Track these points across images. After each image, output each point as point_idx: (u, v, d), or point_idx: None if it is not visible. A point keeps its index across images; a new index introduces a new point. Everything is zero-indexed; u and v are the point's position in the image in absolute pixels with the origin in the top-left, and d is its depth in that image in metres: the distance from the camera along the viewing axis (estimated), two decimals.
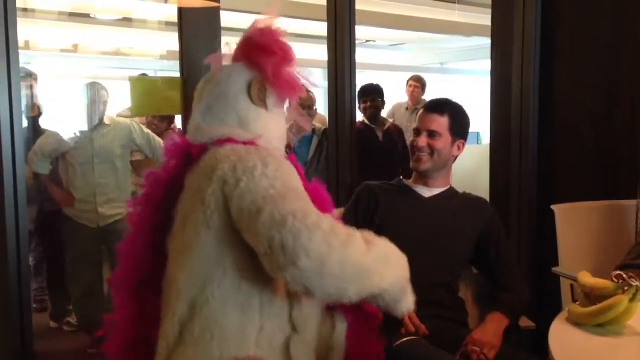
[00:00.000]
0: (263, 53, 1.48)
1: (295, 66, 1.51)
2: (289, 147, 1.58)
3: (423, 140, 2.08)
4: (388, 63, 9.56)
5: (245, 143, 1.42)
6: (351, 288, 1.24)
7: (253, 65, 1.50)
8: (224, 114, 1.48)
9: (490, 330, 1.93)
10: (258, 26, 1.50)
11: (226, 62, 1.58)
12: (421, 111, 2.15)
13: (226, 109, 1.48)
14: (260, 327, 1.34)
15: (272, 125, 1.52)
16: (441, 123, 2.09)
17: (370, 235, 1.34)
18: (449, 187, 2.18)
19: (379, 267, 1.29)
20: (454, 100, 2.20)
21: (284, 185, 1.30)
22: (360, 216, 2.11)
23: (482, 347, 1.87)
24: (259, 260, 1.27)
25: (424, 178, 2.14)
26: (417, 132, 2.11)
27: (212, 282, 1.32)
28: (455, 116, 2.12)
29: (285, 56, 1.49)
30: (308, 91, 2.33)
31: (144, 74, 3.88)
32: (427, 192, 2.14)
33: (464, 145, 2.15)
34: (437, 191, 2.15)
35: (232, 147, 1.39)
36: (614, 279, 1.53)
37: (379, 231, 2.05)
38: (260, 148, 1.40)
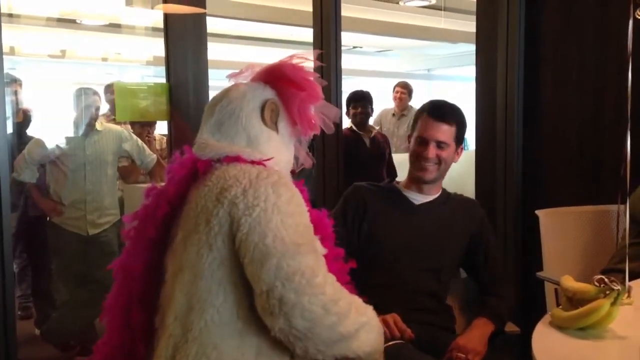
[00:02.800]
0: (293, 87, 1.49)
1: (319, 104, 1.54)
2: (292, 173, 1.57)
3: (432, 152, 2.00)
4: (375, 69, 9.60)
5: (253, 162, 1.40)
6: (329, 352, 1.28)
7: (280, 96, 1.50)
8: (234, 132, 1.46)
9: (475, 336, 1.93)
10: (293, 60, 1.51)
11: (243, 80, 1.56)
12: (426, 117, 2.04)
13: (237, 126, 1.46)
14: (258, 352, 1.32)
15: (281, 149, 1.50)
16: (449, 133, 2.02)
17: (362, 305, 1.37)
18: (440, 193, 2.14)
19: (362, 336, 1.32)
20: (454, 103, 2.13)
21: (295, 225, 1.30)
22: (349, 221, 2.07)
23: (467, 353, 1.87)
24: None
25: (420, 184, 2.08)
26: (424, 141, 2.02)
27: (212, 306, 1.30)
28: (461, 124, 2.06)
29: (313, 94, 1.50)
30: None
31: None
32: (418, 199, 2.10)
33: (462, 150, 2.11)
34: (429, 198, 2.10)
35: (241, 167, 1.36)
36: (596, 283, 1.54)
37: (368, 237, 2.06)
38: (270, 170, 1.37)
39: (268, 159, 1.42)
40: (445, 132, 2.02)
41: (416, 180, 2.09)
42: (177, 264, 1.36)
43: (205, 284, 1.30)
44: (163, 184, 1.49)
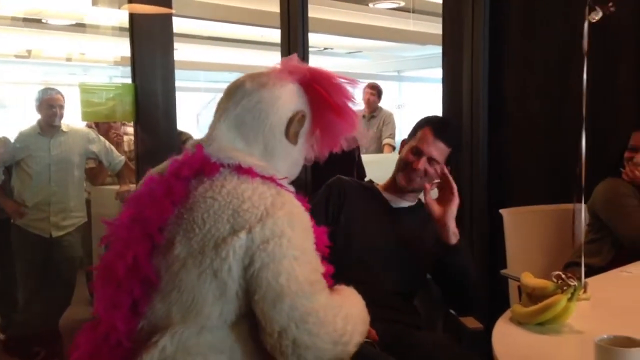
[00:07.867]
0: (333, 111, 1.45)
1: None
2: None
3: (422, 165, 2.03)
4: (345, 70, 9.63)
5: (264, 177, 1.33)
6: None
7: (313, 113, 1.45)
8: (252, 136, 1.39)
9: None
10: (349, 87, 1.47)
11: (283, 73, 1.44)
12: (428, 131, 2.05)
13: (257, 133, 1.39)
14: None
15: (293, 164, 1.47)
16: (444, 153, 2.04)
17: (353, 306, 1.37)
18: (417, 201, 2.16)
19: (356, 338, 1.33)
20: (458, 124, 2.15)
21: (308, 262, 1.28)
22: (330, 211, 2.06)
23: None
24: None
25: (400, 192, 2.11)
26: (419, 153, 2.04)
27: (209, 329, 1.27)
28: (457, 148, 2.09)
29: (351, 125, 1.48)
30: None
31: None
32: (395, 203, 2.12)
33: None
34: (406, 204, 2.13)
35: (254, 187, 1.30)
36: (554, 279, 1.57)
37: (343, 230, 2.02)
38: (284, 196, 1.32)
39: (280, 176, 1.37)
40: (441, 150, 2.04)
41: (398, 186, 2.11)
42: (175, 283, 1.28)
43: (206, 308, 1.26)
44: (157, 171, 1.39)
